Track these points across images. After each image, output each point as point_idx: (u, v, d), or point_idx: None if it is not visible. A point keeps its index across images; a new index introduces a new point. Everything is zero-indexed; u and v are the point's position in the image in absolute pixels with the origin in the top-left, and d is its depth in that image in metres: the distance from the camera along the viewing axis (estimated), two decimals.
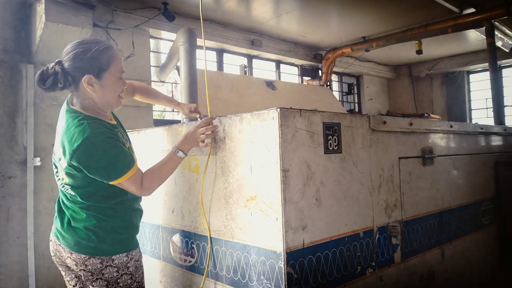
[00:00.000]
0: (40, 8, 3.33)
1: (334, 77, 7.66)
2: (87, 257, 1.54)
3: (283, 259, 1.39)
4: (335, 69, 7.24)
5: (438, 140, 2.29)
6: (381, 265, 1.80)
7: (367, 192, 1.76)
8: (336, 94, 7.73)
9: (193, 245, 1.84)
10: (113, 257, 1.56)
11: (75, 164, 1.48)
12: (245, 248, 1.55)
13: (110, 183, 1.52)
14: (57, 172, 1.64)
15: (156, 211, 2.11)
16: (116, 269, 1.57)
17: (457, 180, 2.42)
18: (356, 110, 8.24)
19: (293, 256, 1.42)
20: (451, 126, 2.38)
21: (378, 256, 1.78)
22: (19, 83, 3.54)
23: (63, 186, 1.60)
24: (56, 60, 1.57)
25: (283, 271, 1.39)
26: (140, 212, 1.75)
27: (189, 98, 3.77)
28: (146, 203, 1.82)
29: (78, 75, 1.54)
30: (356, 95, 8.32)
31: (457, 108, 8.45)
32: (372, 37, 6.24)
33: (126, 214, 1.65)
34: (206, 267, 1.73)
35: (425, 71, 8.47)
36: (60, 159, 1.56)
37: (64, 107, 1.64)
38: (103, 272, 1.55)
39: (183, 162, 1.88)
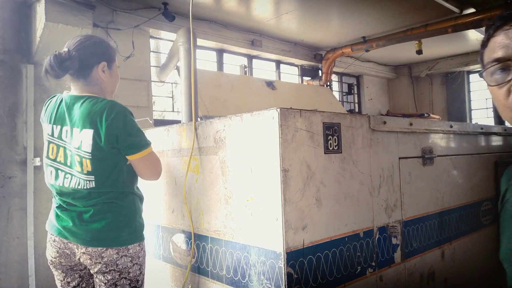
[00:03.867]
0: (40, 8, 3.33)
1: (334, 77, 7.66)
2: (104, 249, 1.57)
3: (283, 259, 1.39)
4: (335, 69, 7.24)
5: (438, 140, 2.29)
6: (381, 265, 1.80)
7: (367, 192, 1.76)
8: (336, 94, 7.73)
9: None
10: (128, 246, 1.61)
11: (112, 133, 1.54)
12: (245, 248, 1.55)
13: (130, 157, 1.62)
14: (65, 174, 1.62)
15: (156, 211, 2.11)
16: (130, 258, 1.60)
17: (457, 180, 2.42)
18: (356, 110, 8.23)
19: (293, 256, 1.41)
20: (451, 126, 2.38)
21: (378, 256, 1.78)
22: (19, 83, 3.54)
23: (78, 183, 1.58)
24: (66, 49, 1.63)
25: (283, 271, 1.39)
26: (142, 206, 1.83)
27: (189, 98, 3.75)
28: (146, 203, 1.82)
29: (94, 61, 1.67)
30: (356, 95, 8.32)
31: (457, 108, 8.45)
32: (372, 37, 6.23)
33: (139, 204, 1.74)
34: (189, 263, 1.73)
35: (425, 71, 8.46)
36: (80, 146, 1.57)
37: (70, 98, 1.66)
38: (117, 262, 1.58)
39: (183, 162, 1.88)
